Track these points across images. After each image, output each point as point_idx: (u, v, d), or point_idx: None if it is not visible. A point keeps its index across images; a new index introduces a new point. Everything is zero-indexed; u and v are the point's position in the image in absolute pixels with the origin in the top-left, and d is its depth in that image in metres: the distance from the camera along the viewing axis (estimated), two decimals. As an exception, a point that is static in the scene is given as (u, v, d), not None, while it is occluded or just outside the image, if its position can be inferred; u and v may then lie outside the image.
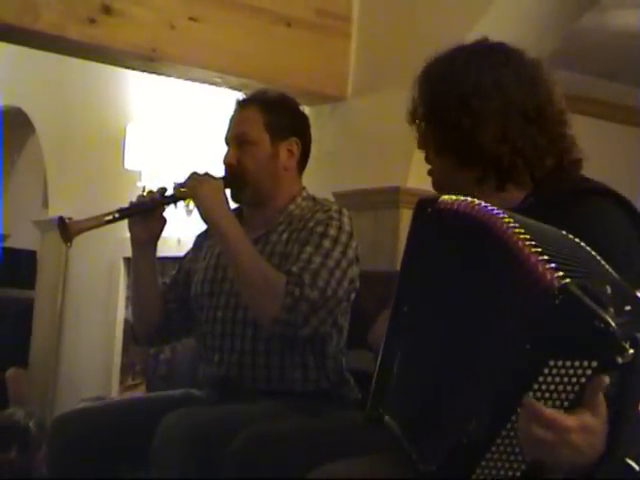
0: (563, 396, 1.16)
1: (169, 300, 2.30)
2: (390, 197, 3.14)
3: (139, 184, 3.93)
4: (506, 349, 1.21)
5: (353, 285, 2.13)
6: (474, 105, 1.50)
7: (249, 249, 2.08)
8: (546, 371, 1.15)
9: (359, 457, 1.55)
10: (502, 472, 1.21)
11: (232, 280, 2.15)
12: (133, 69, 3.37)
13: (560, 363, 1.14)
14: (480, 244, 1.30)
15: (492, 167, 1.52)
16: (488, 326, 1.26)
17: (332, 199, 2.78)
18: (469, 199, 1.35)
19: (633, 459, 1.21)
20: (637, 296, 1.19)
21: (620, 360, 1.12)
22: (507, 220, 1.26)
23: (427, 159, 1.62)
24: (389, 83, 3.18)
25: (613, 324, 1.11)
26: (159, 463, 1.92)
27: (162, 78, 3.49)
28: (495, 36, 3.01)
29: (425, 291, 1.39)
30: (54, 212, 4.91)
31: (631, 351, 1.12)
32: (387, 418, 1.41)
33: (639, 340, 1.12)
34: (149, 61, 3.08)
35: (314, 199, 2.25)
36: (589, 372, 1.14)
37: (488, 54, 1.56)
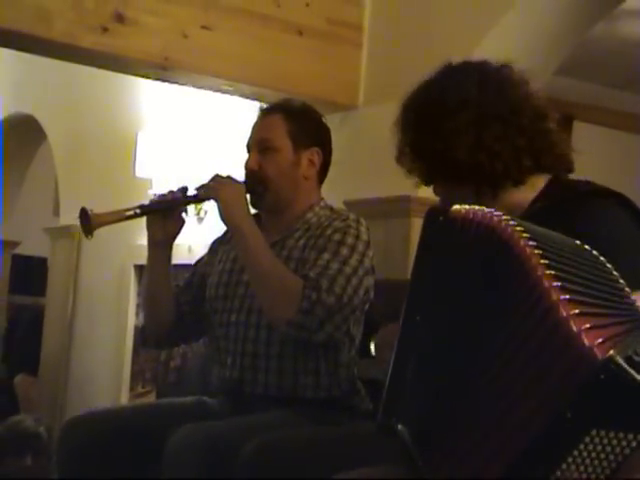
0: (605, 464, 1.13)
1: (182, 302, 2.31)
2: (401, 206, 3.13)
3: (150, 192, 3.94)
4: (539, 401, 1.17)
5: (368, 295, 2.13)
6: (446, 127, 1.54)
7: (268, 252, 2.09)
8: (587, 440, 1.12)
9: (371, 467, 1.54)
10: None
11: (247, 284, 2.16)
12: (145, 77, 3.38)
13: (603, 433, 1.11)
14: (496, 258, 1.28)
15: (480, 178, 1.54)
16: (511, 359, 1.22)
17: (343, 207, 2.79)
18: (484, 208, 1.35)
19: None
20: None
21: None
22: (524, 236, 1.24)
23: (433, 190, 1.67)
24: (400, 92, 3.18)
25: None
26: (171, 476, 1.92)
27: (174, 86, 3.50)
28: (506, 45, 3.02)
29: (438, 301, 1.38)
30: (65, 219, 4.92)
31: None
32: (400, 427, 1.40)
33: None
34: (161, 69, 3.09)
35: (331, 209, 2.27)
36: (634, 444, 1.11)
37: (448, 76, 1.61)
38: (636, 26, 4.24)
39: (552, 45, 3.11)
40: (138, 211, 2.16)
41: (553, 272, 1.18)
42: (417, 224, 3.02)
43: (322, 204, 2.27)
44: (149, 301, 2.32)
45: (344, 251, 2.10)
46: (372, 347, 1.66)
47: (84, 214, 2.13)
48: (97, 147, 4.75)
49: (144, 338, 2.39)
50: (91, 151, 4.81)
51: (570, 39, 3.16)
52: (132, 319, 4.33)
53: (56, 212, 5.51)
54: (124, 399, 4.29)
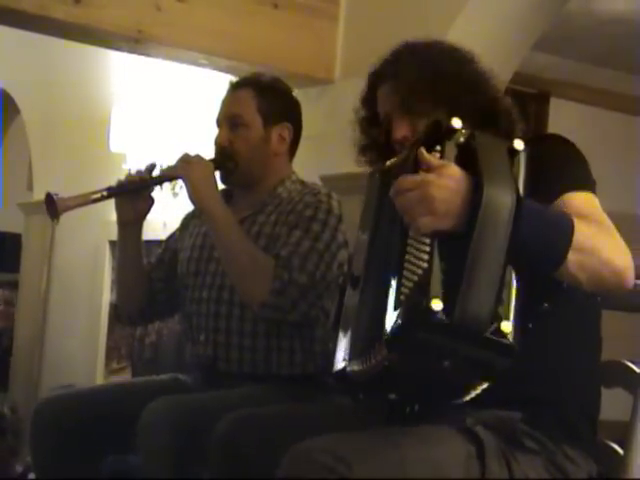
0: None
1: (154, 279, 2.29)
2: (377, 181, 3.12)
3: (124, 166, 3.90)
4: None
5: (342, 269, 2.12)
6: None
7: (238, 233, 2.07)
8: None
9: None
10: None
11: (218, 260, 2.15)
12: (118, 50, 3.34)
13: None
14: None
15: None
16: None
17: (319, 182, 2.77)
18: None
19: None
20: None
21: None
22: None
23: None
24: (377, 66, 3.16)
25: None
26: (144, 450, 1.91)
27: (148, 59, 3.46)
28: (483, 20, 3.00)
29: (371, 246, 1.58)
30: (39, 194, 4.87)
31: None
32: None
33: None
34: (135, 42, 3.05)
35: (302, 182, 2.25)
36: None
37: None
38: (613, 2, 4.23)
39: (529, 21, 3.09)
40: (105, 194, 2.13)
41: None
42: (393, 199, 3.01)
43: (293, 178, 2.25)
44: (122, 280, 2.30)
45: (316, 227, 2.09)
46: None
47: (49, 199, 2.09)
48: (71, 121, 4.69)
49: (118, 316, 2.37)
50: (65, 125, 4.75)
51: (546, 15, 3.14)
52: (107, 295, 4.30)
53: (30, 187, 5.45)
54: (99, 375, 4.27)
